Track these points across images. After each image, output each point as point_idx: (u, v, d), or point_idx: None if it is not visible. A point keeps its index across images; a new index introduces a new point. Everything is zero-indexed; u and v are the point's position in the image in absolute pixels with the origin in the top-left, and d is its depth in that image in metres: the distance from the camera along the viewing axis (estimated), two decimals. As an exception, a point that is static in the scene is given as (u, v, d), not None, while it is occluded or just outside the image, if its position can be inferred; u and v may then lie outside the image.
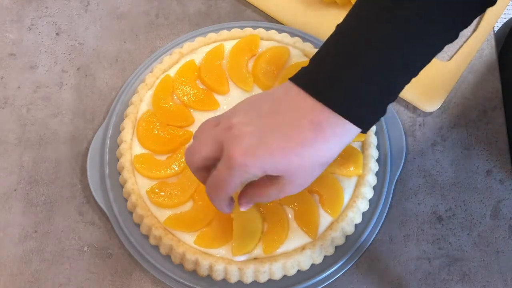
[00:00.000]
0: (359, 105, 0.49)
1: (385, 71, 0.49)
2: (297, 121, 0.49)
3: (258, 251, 0.64)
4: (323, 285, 0.66)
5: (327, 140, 0.49)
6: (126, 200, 0.69)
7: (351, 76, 0.49)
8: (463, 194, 0.71)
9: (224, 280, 0.65)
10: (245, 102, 0.53)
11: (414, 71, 0.51)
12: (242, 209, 0.56)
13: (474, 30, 0.79)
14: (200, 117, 0.72)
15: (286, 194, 0.53)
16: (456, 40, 0.77)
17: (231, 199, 0.55)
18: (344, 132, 0.50)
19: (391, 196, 0.70)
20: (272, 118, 0.50)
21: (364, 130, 0.51)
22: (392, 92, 0.51)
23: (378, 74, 0.49)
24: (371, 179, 0.69)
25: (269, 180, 0.52)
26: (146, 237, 0.67)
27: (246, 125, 0.49)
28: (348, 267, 0.66)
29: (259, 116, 0.50)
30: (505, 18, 0.98)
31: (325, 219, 0.66)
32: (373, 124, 0.52)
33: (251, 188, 0.55)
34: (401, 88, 0.51)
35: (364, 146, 0.70)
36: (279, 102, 0.50)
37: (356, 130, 0.50)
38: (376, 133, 0.72)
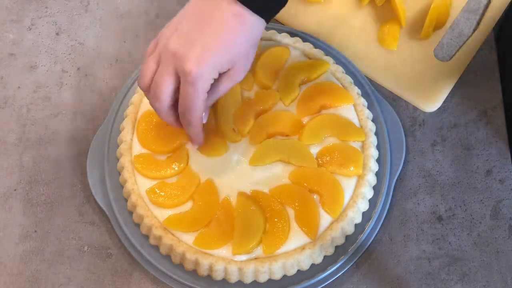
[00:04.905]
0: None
1: None
2: (223, 20, 0.56)
3: (258, 251, 0.64)
4: (323, 285, 0.66)
5: (251, 26, 0.57)
6: (126, 200, 0.69)
7: None
8: (463, 194, 0.71)
9: (224, 280, 0.65)
10: (172, 25, 0.59)
11: None
12: (204, 120, 0.62)
13: (474, 30, 0.79)
14: (200, 117, 0.72)
15: (236, 82, 0.60)
16: (456, 40, 0.77)
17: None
18: (258, 18, 0.58)
19: (391, 196, 0.70)
20: (203, 28, 0.57)
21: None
22: None
23: None
24: (371, 179, 0.69)
25: (218, 80, 0.59)
26: (146, 237, 0.67)
27: (185, 45, 0.56)
28: (348, 267, 0.66)
29: (192, 32, 0.57)
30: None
31: (325, 219, 0.66)
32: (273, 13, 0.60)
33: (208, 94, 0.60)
34: None
35: (364, 146, 0.70)
36: (201, 12, 0.58)
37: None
38: (376, 133, 0.72)
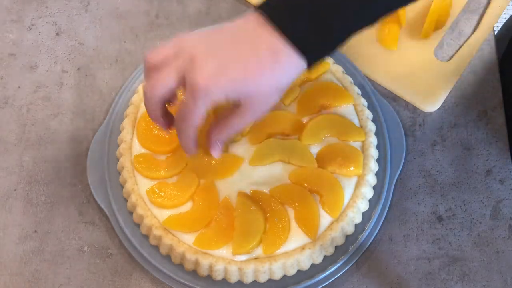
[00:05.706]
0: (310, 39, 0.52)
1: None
2: (256, 49, 0.52)
3: (258, 251, 0.64)
4: (323, 285, 0.66)
5: (283, 68, 0.52)
6: (126, 200, 0.69)
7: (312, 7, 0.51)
8: (463, 194, 0.71)
9: (224, 280, 0.65)
10: (205, 33, 0.54)
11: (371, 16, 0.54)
12: (214, 154, 0.59)
13: (474, 30, 0.79)
14: (200, 117, 0.72)
15: (248, 121, 0.55)
16: (456, 40, 0.77)
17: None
18: (298, 60, 0.52)
19: (391, 196, 0.70)
20: (233, 48, 0.52)
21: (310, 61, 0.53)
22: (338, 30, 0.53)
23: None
24: (371, 179, 0.69)
25: (229, 112, 0.55)
26: (146, 237, 0.67)
27: (208, 56, 0.51)
28: (348, 267, 0.66)
29: (220, 47, 0.52)
30: (505, 18, 0.97)
31: (325, 219, 0.66)
32: (318, 57, 0.54)
33: (215, 124, 0.57)
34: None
35: (364, 146, 0.70)
36: (239, 31, 0.53)
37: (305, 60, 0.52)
38: (376, 133, 0.72)
